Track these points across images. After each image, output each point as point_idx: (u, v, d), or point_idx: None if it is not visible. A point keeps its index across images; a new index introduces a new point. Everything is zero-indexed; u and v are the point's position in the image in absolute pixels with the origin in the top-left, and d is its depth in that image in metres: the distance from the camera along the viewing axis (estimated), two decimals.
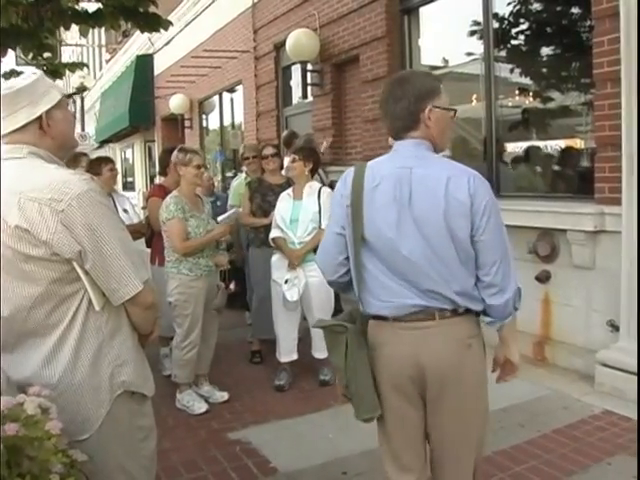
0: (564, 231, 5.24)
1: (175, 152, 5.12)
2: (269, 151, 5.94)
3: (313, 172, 5.49)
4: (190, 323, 4.90)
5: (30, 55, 8.68)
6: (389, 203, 2.34)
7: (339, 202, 2.48)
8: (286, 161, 6.21)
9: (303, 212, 5.23)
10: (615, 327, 4.89)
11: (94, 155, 7.68)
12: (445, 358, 2.35)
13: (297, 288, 5.15)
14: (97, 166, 5.66)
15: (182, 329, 4.94)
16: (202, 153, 5.17)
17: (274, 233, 5.31)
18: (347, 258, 2.49)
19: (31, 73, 2.22)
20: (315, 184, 5.41)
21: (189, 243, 4.82)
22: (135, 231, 5.47)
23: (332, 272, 2.56)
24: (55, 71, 9.47)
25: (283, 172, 6.08)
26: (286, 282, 5.16)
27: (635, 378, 4.28)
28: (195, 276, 4.88)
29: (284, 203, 5.33)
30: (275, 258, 5.38)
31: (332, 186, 7.46)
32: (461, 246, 2.31)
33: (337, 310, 5.86)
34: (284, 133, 8.59)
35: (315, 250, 5.16)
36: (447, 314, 2.36)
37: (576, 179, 5.96)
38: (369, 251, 2.39)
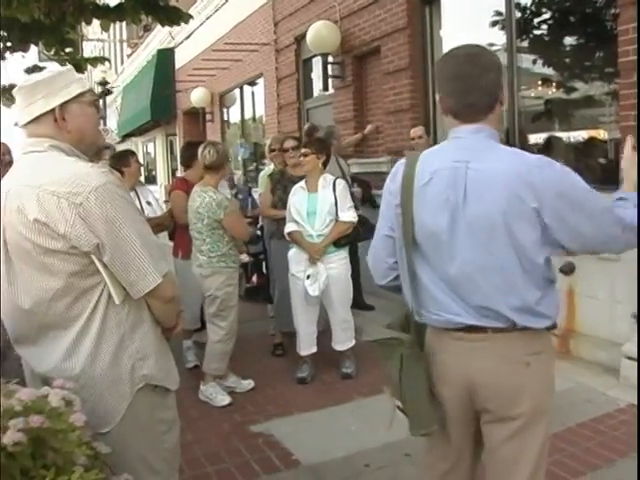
0: None
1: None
2: (290, 144, 5.93)
3: (325, 164, 5.45)
4: (234, 314, 5.04)
5: (52, 50, 8.74)
6: (441, 205, 2.05)
7: (387, 200, 2.21)
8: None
9: (320, 204, 5.21)
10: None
11: (117, 148, 7.73)
12: (496, 376, 2.10)
13: (319, 283, 5.14)
14: (124, 158, 5.70)
15: (227, 322, 5.00)
16: (217, 147, 5.16)
17: (290, 227, 5.29)
18: (397, 262, 2.25)
19: (55, 69, 2.24)
20: (329, 176, 5.38)
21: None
22: (158, 224, 5.49)
23: (382, 276, 2.32)
24: (77, 66, 9.48)
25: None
26: (308, 277, 5.15)
27: None
28: (236, 268, 5.10)
29: (298, 196, 5.30)
30: (292, 252, 5.37)
31: (354, 178, 7.48)
32: (524, 254, 2.01)
33: (355, 301, 5.87)
34: (305, 126, 8.58)
35: (334, 242, 5.21)
36: (503, 329, 2.07)
37: (600, 169, 5.89)
38: (420, 256, 2.12)
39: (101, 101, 24.01)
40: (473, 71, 2.10)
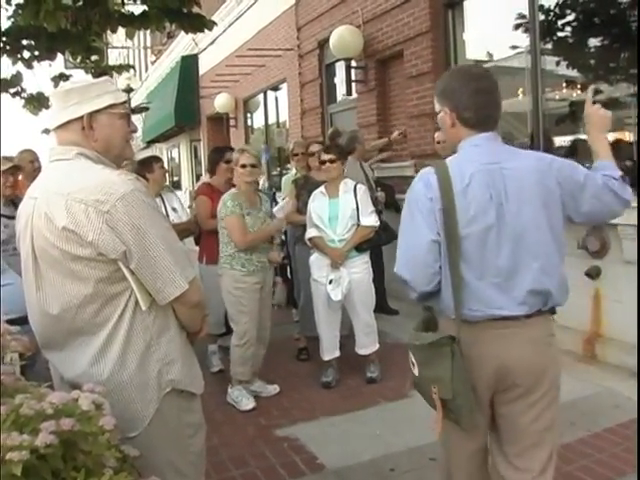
0: (614, 226, 5.13)
1: None
2: (315, 148, 5.96)
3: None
4: (246, 319, 4.95)
5: (78, 58, 8.85)
6: (486, 203, 2.28)
7: (429, 207, 2.31)
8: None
9: (342, 209, 5.22)
10: None
11: (141, 155, 7.79)
12: (531, 357, 2.36)
13: (341, 288, 5.15)
14: (149, 164, 5.73)
15: (238, 326, 4.99)
16: (253, 151, 5.19)
17: (311, 233, 5.31)
18: (441, 266, 2.34)
19: (91, 79, 2.30)
20: (349, 181, 5.39)
21: (249, 236, 4.91)
22: (184, 229, 5.53)
23: (426, 282, 2.36)
24: (102, 73, 9.62)
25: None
26: (330, 282, 5.16)
27: None
28: (247, 272, 4.94)
29: (319, 202, 5.32)
30: (314, 257, 5.39)
31: (378, 183, 7.48)
32: (558, 235, 2.36)
33: (379, 306, 5.86)
34: (329, 131, 8.60)
35: (356, 247, 5.21)
36: (532, 314, 2.34)
37: (626, 172, 5.78)
38: (464, 257, 2.30)
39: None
40: (491, 87, 2.44)
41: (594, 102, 2.64)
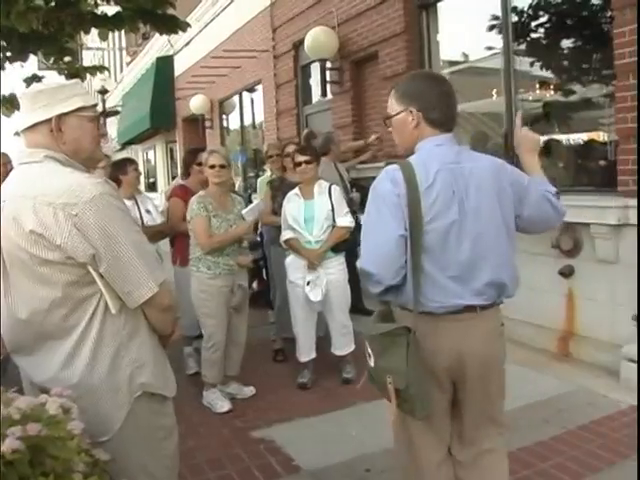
0: (587, 225, 5.19)
1: None
2: (291, 149, 5.95)
3: None
4: (212, 322, 4.93)
5: (51, 60, 8.77)
6: (449, 200, 2.40)
7: (396, 203, 2.40)
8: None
9: (317, 211, 5.22)
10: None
11: (116, 157, 7.73)
12: (484, 348, 2.50)
13: (320, 288, 5.15)
14: (123, 166, 5.68)
15: (205, 329, 4.98)
16: (223, 152, 5.17)
17: (286, 235, 5.28)
18: (406, 260, 2.42)
19: (63, 81, 2.27)
20: (323, 182, 5.39)
21: (214, 238, 4.85)
22: (158, 232, 5.50)
23: (393, 277, 2.42)
24: (76, 75, 9.53)
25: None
26: (308, 284, 5.16)
27: None
28: (213, 274, 4.89)
29: (294, 204, 5.29)
30: (290, 259, 5.38)
31: (353, 184, 7.49)
32: (511, 230, 2.54)
33: (355, 306, 5.87)
34: (304, 132, 8.60)
35: (332, 248, 5.21)
36: (487, 306, 2.48)
37: (599, 172, 5.90)
38: (426, 251, 2.39)
39: (99, 106, 24.16)
40: (452, 91, 2.60)
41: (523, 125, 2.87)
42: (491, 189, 2.47)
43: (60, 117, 2.14)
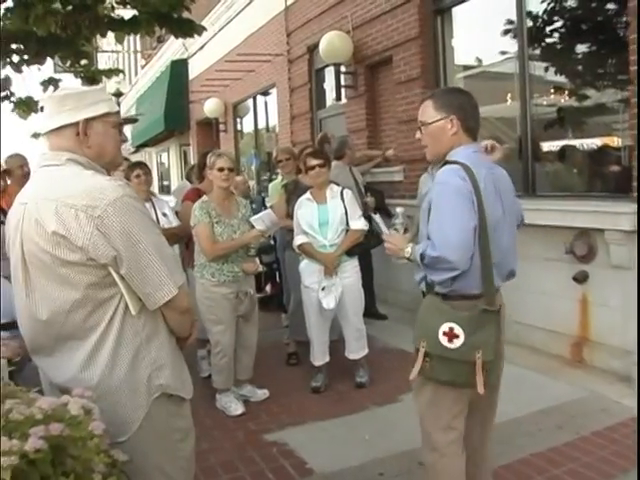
0: (602, 231, 5.18)
1: None
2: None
3: None
4: (218, 329, 4.93)
5: (68, 63, 8.83)
6: (494, 198, 2.75)
7: (469, 197, 2.64)
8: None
9: (331, 215, 5.22)
10: None
11: (131, 159, 7.75)
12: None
13: (334, 295, 5.15)
14: (129, 172, 5.69)
15: (211, 335, 4.99)
16: (230, 155, 5.16)
17: (300, 240, 5.28)
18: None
19: (86, 86, 2.30)
20: (335, 186, 5.40)
21: (218, 246, 4.82)
22: (173, 234, 5.51)
23: (467, 262, 2.64)
24: (92, 78, 9.61)
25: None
26: (323, 289, 5.16)
27: None
28: (217, 282, 4.88)
29: (307, 209, 5.29)
30: (304, 264, 5.38)
31: (367, 188, 7.49)
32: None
33: (369, 311, 5.87)
34: (318, 135, 8.60)
35: (347, 251, 5.22)
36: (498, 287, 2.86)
37: (613, 178, 5.88)
38: (489, 240, 2.71)
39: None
40: (477, 104, 2.91)
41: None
42: (511, 191, 2.95)
43: (87, 121, 2.17)
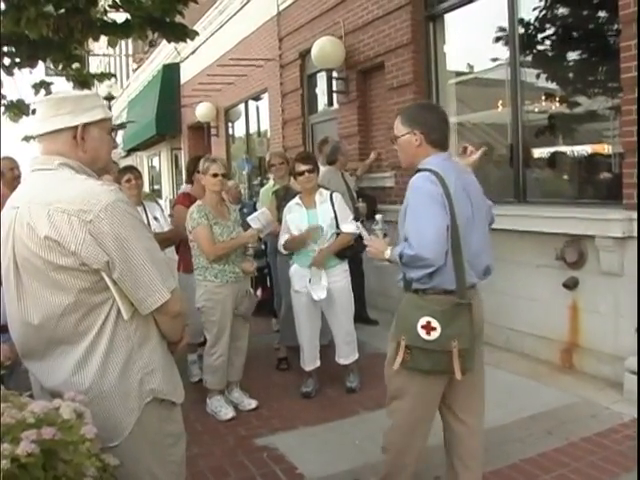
0: (592, 237, 5.20)
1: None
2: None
3: None
4: (217, 330, 4.95)
5: (59, 66, 8.81)
6: (465, 201, 2.99)
7: (441, 200, 2.89)
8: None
9: (321, 219, 5.22)
10: None
11: (122, 163, 7.72)
12: (481, 317, 3.17)
13: (323, 285, 5.14)
14: (120, 177, 5.66)
15: (210, 335, 5.00)
16: (223, 161, 5.17)
17: (284, 238, 5.30)
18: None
19: (86, 91, 2.30)
20: (324, 191, 5.40)
21: (219, 246, 4.87)
22: (165, 239, 5.49)
23: (441, 259, 2.87)
24: (83, 82, 9.59)
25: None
26: (310, 281, 5.16)
27: None
28: (221, 283, 4.92)
29: (296, 214, 5.29)
30: (293, 269, 5.38)
31: (359, 193, 7.50)
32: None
33: (359, 316, 5.86)
34: (319, 139, 8.53)
35: (338, 254, 5.22)
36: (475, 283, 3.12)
37: (604, 185, 5.92)
38: (460, 238, 2.94)
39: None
40: (447, 117, 3.23)
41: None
42: (480, 194, 3.18)
43: (85, 126, 2.17)
